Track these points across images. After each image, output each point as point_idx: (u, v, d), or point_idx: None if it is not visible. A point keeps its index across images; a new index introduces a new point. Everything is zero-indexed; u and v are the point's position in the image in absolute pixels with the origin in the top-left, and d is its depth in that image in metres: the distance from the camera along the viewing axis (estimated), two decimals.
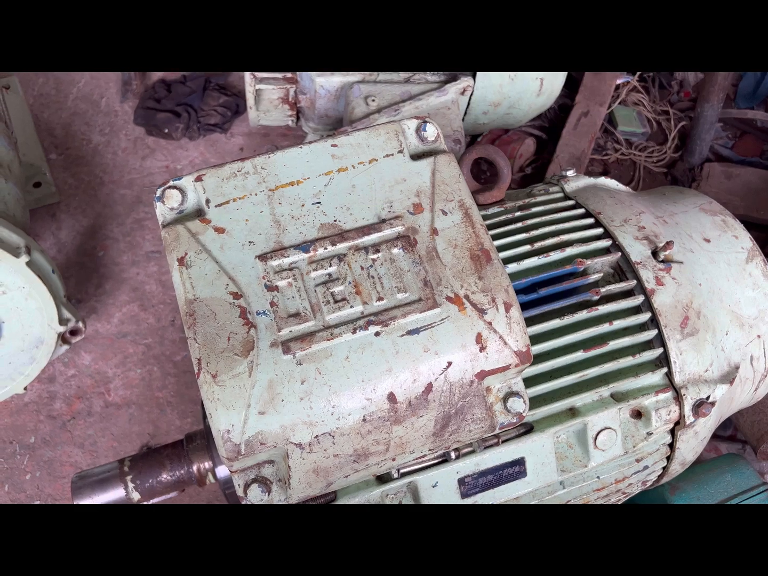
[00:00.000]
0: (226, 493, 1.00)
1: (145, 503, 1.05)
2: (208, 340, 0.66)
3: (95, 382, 1.52)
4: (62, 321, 1.34)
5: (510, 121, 1.72)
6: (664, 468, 1.05)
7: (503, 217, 1.05)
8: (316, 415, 0.66)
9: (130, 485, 1.02)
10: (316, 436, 0.67)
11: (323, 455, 0.68)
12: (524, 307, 0.93)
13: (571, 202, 1.09)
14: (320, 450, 0.68)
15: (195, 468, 1.03)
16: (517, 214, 1.06)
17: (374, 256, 0.71)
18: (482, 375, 0.70)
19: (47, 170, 1.74)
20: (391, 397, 0.68)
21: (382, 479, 0.87)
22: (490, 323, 0.69)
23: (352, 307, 0.69)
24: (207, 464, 1.03)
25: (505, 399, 0.78)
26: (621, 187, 1.16)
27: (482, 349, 0.69)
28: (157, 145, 1.83)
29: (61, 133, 1.82)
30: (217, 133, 1.85)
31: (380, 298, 0.69)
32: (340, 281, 0.70)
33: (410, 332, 0.68)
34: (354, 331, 0.67)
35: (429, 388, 0.69)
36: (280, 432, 0.66)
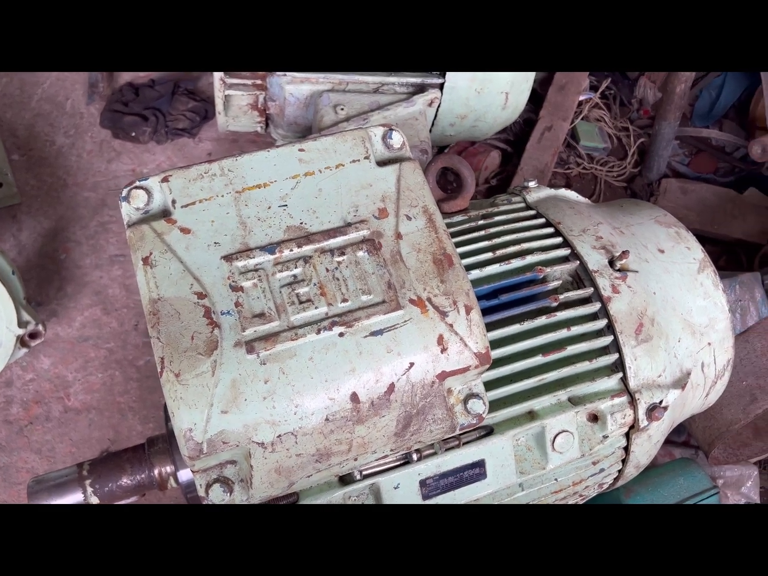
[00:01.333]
0: (188, 497, 1.00)
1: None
2: (172, 339, 0.66)
3: (54, 386, 1.49)
4: (21, 324, 1.32)
5: (476, 134, 1.76)
6: (619, 471, 1.08)
7: (466, 226, 1.07)
8: (279, 414, 0.67)
9: (89, 489, 1.01)
10: (279, 436, 0.67)
11: (286, 455, 0.69)
12: (486, 312, 0.95)
13: (532, 212, 1.12)
14: (283, 449, 0.68)
15: (156, 472, 1.02)
16: (480, 222, 1.08)
17: (339, 259, 0.72)
18: (443, 376, 0.72)
19: (9, 171, 1.70)
20: (354, 397, 0.69)
21: (345, 481, 0.88)
22: (451, 325, 0.71)
23: (316, 308, 0.70)
24: (168, 468, 1.02)
25: (465, 400, 0.79)
26: (581, 198, 1.20)
27: (443, 350, 0.71)
28: (123, 148, 1.82)
29: (24, 134, 1.79)
30: (185, 137, 1.84)
31: (345, 300, 0.70)
32: (305, 282, 0.71)
33: (374, 333, 0.69)
34: (318, 332, 0.68)
35: (391, 388, 0.70)
36: (243, 431, 0.66)
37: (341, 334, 0.69)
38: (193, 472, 0.72)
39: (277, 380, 0.67)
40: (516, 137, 2.02)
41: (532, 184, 1.18)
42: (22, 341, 1.37)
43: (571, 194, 1.20)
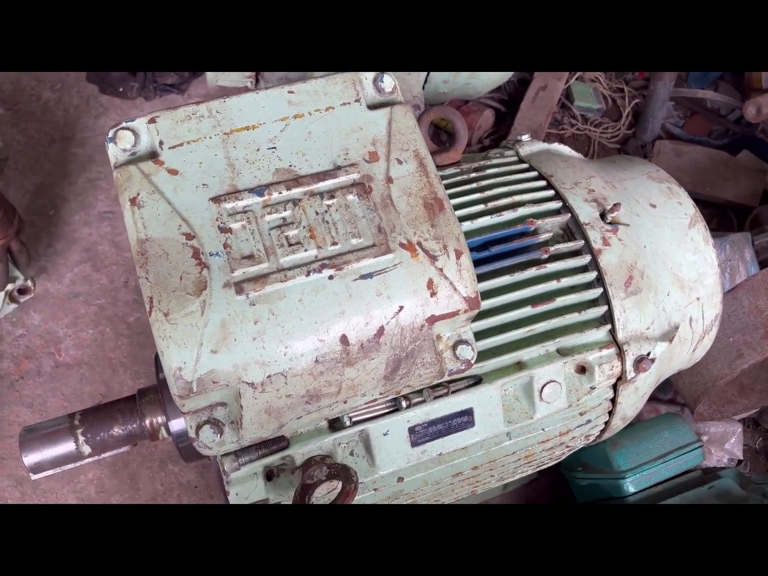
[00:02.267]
0: (180, 447, 1.00)
1: (96, 457, 1.04)
2: (160, 279, 0.66)
3: (45, 342, 1.49)
4: (10, 279, 1.31)
5: (470, 92, 1.74)
6: (606, 423, 1.09)
7: (458, 178, 1.07)
8: (269, 355, 0.67)
9: (81, 438, 1.01)
10: (269, 376, 0.68)
11: (275, 395, 0.69)
12: (477, 264, 0.94)
13: (524, 166, 1.11)
14: (272, 390, 0.69)
15: (147, 422, 1.02)
16: (472, 175, 1.07)
17: (329, 202, 0.71)
18: (432, 320, 0.72)
19: None
20: (344, 340, 0.69)
21: (334, 427, 0.89)
22: (441, 269, 0.71)
23: (306, 250, 0.69)
24: (160, 418, 1.02)
25: (454, 347, 0.80)
26: (573, 153, 1.20)
27: (433, 294, 0.71)
28: (110, 104, 1.79)
29: (9, 88, 1.75)
30: (173, 93, 1.81)
31: (334, 243, 0.70)
32: (294, 225, 0.70)
33: (363, 276, 0.69)
34: (308, 274, 0.68)
35: (381, 331, 0.70)
36: (233, 371, 0.66)
37: (331, 277, 0.69)
38: (183, 413, 0.73)
39: (266, 321, 0.67)
40: (510, 97, 2.00)
41: (525, 137, 1.17)
42: (10, 296, 1.36)
43: (564, 149, 1.19)
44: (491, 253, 0.97)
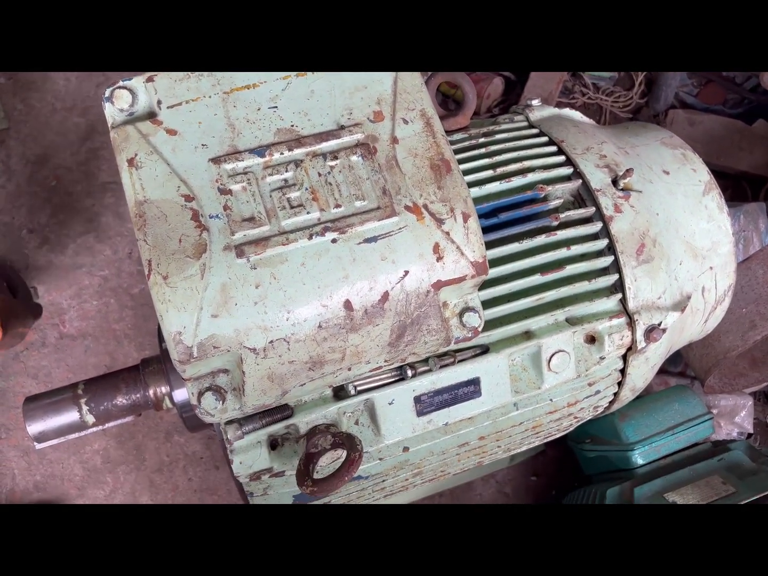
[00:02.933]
0: (184, 417, 1.00)
1: (100, 427, 1.04)
2: (159, 241, 0.64)
3: (49, 313, 1.48)
4: None
5: None
6: (615, 394, 1.08)
7: (467, 143, 1.04)
8: (271, 320, 0.65)
9: (84, 408, 1.01)
10: (271, 342, 0.66)
11: (278, 361, 0.68)
12: (485, 231, 0.92)
13: (534, 131, 1.08)
14: (275, 356, 0.67)
15: (151, 392, 1.02)
16: (481, 140, 1.05)
17: (332, 163, 0.69)
18: (439, 285, 0.70)
19: None
20: (348, 305, 0.68)
21: (339, 396, 0.88)
22: (447, 233, 0.69)
23: (308, 213, 0.67)
24: (164, 388, 1.02)
25: (461, 314, 0.78)
26: (585, 119, 1.16)
27: (439, 258, 0.69)
28: (112, 72, 1.75)
29: None
30: None
31: (338, 205, 0.68)
32: (296, 187, 0.68)
33: (367, 240, 0.67)
34: (310, 237, 0.66)
35: (385, 296, 0.69)
36: (234, 336, 0.65)
37: (334, 240, 0.67)
38: (184, 380, 0.72)
39: (268, 285, 0.65)
40: None
41: (535, 102, 1.14)
42: None
43: (576, 114, 1.16)
44: (500, 219, 0.95)
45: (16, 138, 1.65)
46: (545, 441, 1.15)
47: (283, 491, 0.91)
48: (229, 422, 0.83)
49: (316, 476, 0.80)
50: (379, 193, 0.69)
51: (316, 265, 0.66)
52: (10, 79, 1.71)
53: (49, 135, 1.67)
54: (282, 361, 0.68)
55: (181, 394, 0.98)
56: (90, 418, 1.02)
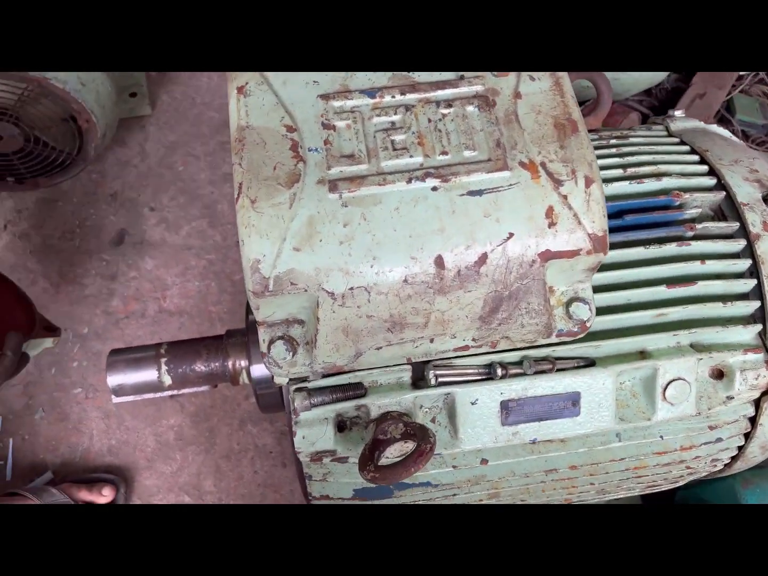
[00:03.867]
0: (258, 394, 0.96)
1: (176, 391, 1.03)
2: (253, 166, 0.62)
3: (154, 287, 1.53)
4: None
5: (617, 88, 1.61)
6: (740, 448, 0.92)
7: (595, 143, 0.96)
8: (355, 264, 0.60)
9: (164, 368, 1.00)
10: (351, 289, 0.61)
11: (356, 312, 0.62)
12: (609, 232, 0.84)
13: (675, 140, 0.98)
14: (353, 306, 0.62)
15: (230, 363, 1.00)
16: (613, 141, 0.96)
17: (445, 111, 0.64)
18: (547, 256, 0.62)
19: (145, 84, 1.77)
20: (439, 261, 0.61)
21: (418, 385, 0.81)
22: (565, 197, 0.61)
23: (411, 156, 0.62)
24: (243, 362, 0.99)
25: (568, 304, 0.69)
26: (736, 139, 1.04)
27: (551, 224, 0.61)
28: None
29: None
30: None
31: (444, 153, 0.62)
32: (403, 130, 0.63)
33: (472, 193, 0.61)
34: (409, 181, 0.61)
35: (483, 259, 0.61)
36: (314, 275, 0.60)
37: (434, 188, 0.61)
38: (258, 324, 0.68)
39: (357, 225, 0.60)
40: (660, 103, 1.84)
41: (678, 113, 1.04)
42: None
43: (725, 132, 1.04)
44: (625, 222, 0.85)
45: (156, 125, 1.76)
46: (647, 491, 1.00)
47: (344, 481, 0.84)
48: (298, 390, 0.79)
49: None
50: (493, 146, 0.62)
51: (411, 211, 0.61)
52: (160, 73, 1.84)
53: (185, 125, 1.76)
54: (360, 313, 0.62)
55: (258, 370, 0.94)
56: (167, 379, 1.01)
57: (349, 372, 0.78)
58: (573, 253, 0.62)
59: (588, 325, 0.69)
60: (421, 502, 0.88)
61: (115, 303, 1.51)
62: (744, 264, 0.84)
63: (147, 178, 1.67)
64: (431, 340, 0.66)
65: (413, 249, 0.61)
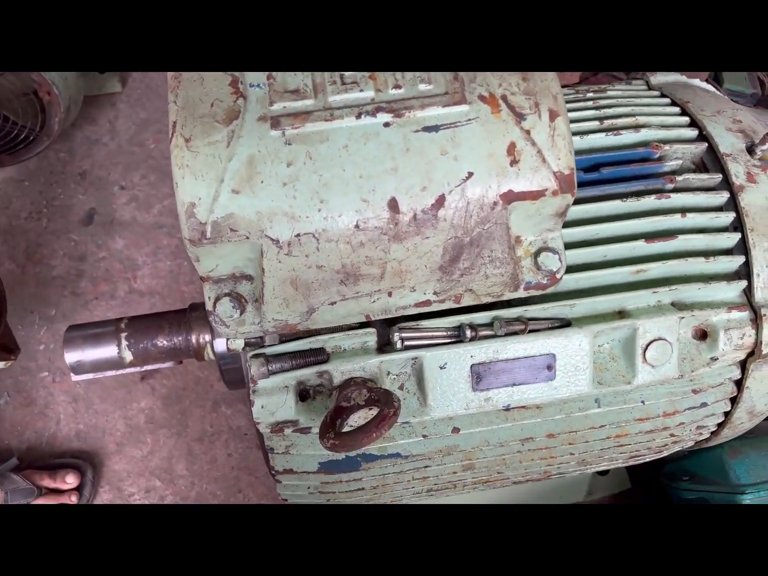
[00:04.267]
0: (222, 369, 0.92)
1: (138, 368, 0.98)
2: (189, 103, 0.57)
3: (124, 267, 1.48)
4: None
5: None
6: (726, 414, 0.87)
7: (571, 97, 0.91)
8: (301, 208, 0.56)
9: (124, 343, 0.95)
10: (298, 236, 0.56)
11: (304, 262, 0.58)
12: (582, 186, 0.79)
13: (655, 93, 0.93)
14: (301, 255, 0.57)
15: (194, 338, 0.95)
16: (589, 95, 0.92)
17: None
18: (509, 197, 0.58)
19: None
20: (393, 205, 0.56)
21: (384, 350, 0.76)
22: (528, 132, 0.56)
23: (362, 91, 0.57)
24: (207, 336, 0.94)
25: (536, 254, 0.65)
26: (718, 92, 1.00)
27: (514, 162, 0.57)
28: None
29: None
30: None
31: (397, 86, 0.57)
32: None
33: (427, 128, 0.56)
34: (359, 117, 0.56)
35: (441, 201, 0.57)
36: (255, 220, 0.55)
37: (387, 124, 0.56)
38: (202, 280, 0.63)
39: (302, 165, 0.55)
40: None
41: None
42: None
43: (708, 86, 1.00)
44: (602, 175, 0.81)
45: (126, 102, 1.70)
46: (631, 462, 0.96)
47: (308, 453, 0.80)
48: (255, 356, 0.74)
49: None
50: (450, 78, 0.58)
51: (361, 149, 0.56)
52: None
53: (156, 102, 1.71)
54: (309, 263, 0.58)
55: (222, 344, 0.89)
56: (128, 355, 0.96)
57: (308, 336, 0.74)
58: (538, 194, 0.58)
59: (558, 276, 0.65)
60: (391, 475, 0.84)
61: (84, 284, 1.46)
62: (727, 217, 0.79)
63: (117, 156, 1.62)
64: (389, 294, 0.62)
65: (364, 191, 0.56)
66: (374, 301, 0.62)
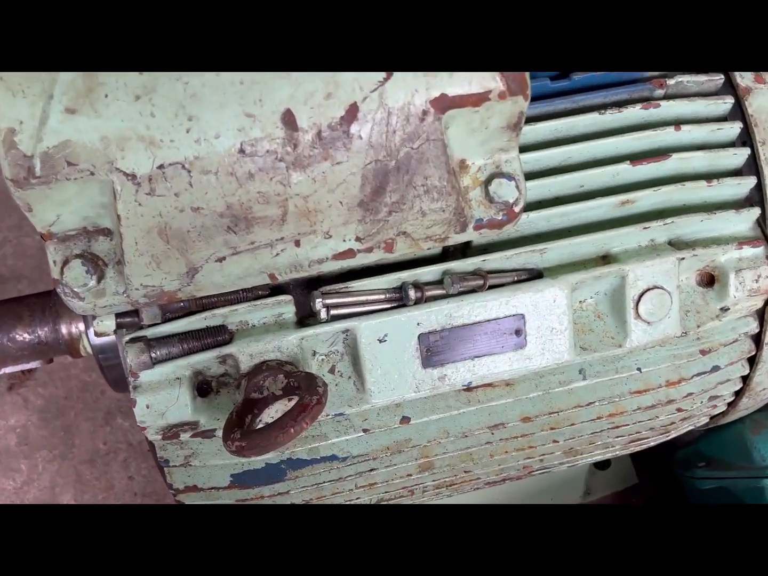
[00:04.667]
0: (102, 365, 0.87)
1: None
2: None
3: None
4: None
5: None
6: (744, 379, 0.87)
7: None
8: (162, 129, 0.51)
9: None
10: (161, 166, 0.52)
11: (174, 204, 0.53)
12: (549, 97, 0.78)
13: None
14: (168, 193, 0.53)
15: (64, 328, 0.90)
16: None
17: None
18: (443, 103, 0.55)
19: None
20: (289, 119, 0.53)
21: (305, 323, 0.73)
22: None
23: None
24: (80, 325, 0.89)
25: (487, 182, 0.62)
26: None
27: None
28: None
29: None
30: None
31: None
32: None
33: None
34: None
35: (353, 112, 0.53)
36: (101, 148, 0.51)
37: None
38: (44, 239, 0.59)
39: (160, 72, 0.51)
40: None
41: None
42: None
43: None
44: (573, 82, 0.80)
45: None
46: (632, 448, 0.95)
47: (216, 464, 0.77)
48: (133, 340, 0.70)
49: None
50: None
51: None
52: None
53: None
54: (181, 205, 0.54)
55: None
56: None
57: (202, 310, 0.70)
58: (480, 98, 0.55)
59: (516, 210, 0.62)
60: (327, 484, 0.81)
61: None
62: (732, 129, 0.79)
63: None
64: (297, 243, 0.58)
65: (248, 101, 0.52)
66: (277, 254, 0.59)
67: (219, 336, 0.72)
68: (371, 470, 0.81)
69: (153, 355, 0.70)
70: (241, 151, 0.53)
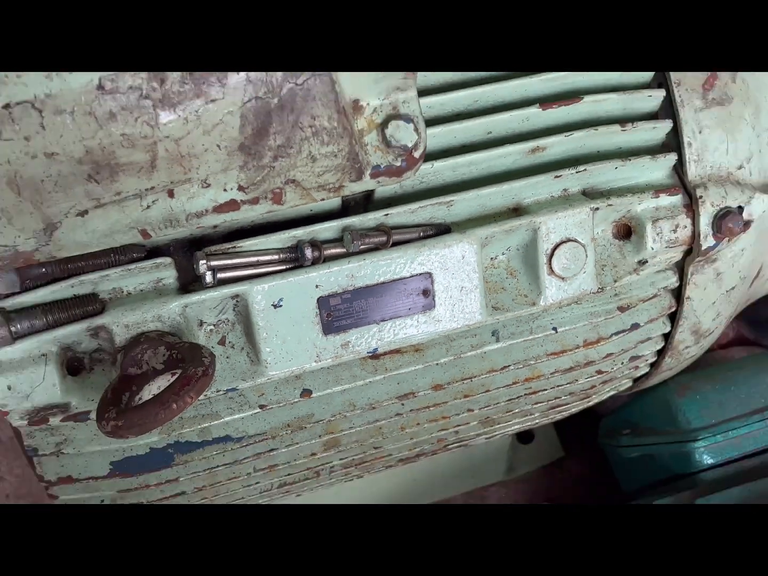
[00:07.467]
0: None
1: None
2: None
3: None
4: None
5: None
6: (666, 336, 0.91)
7: None
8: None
9: None
10: (7, 106, 0.50)
11: (24, 149, 0.51)
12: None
13: None
14: (17, 137, 0.51)
15: None
16: None
17: None
18: None
19: None
20: None
21: (189, 288, 0.72)
22: None
23: None
24: None
25: (383, 125, 0.62)
26: None
27: None
28: None
29: None
30: None
31: None
32: None
33: None
34: None
35: None
36: None
37: None
38: None
39: None
40: None
41: None
42: None
43: None
44: None
45: None
46: (552, 416, 0.98)
47: (92, 450, 0.76)
48: None
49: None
50: None
51: None
52: None
53: None
54: (32, 150, 0.52)
55: None
56: None
57: (68, 277, 0.68)
58: None
59: (416, 155, 0.62)
60: (221, 468, 0.80)
61: None
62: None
63: None
64: (170, 194, 0.57)
65: None
66: (148, 207, 0.57)
67: (89, 306, 0.70)
68: (271, 451, 0.81)
69: (13, 328, 0.67)
70: (100, 87, 0.51)
